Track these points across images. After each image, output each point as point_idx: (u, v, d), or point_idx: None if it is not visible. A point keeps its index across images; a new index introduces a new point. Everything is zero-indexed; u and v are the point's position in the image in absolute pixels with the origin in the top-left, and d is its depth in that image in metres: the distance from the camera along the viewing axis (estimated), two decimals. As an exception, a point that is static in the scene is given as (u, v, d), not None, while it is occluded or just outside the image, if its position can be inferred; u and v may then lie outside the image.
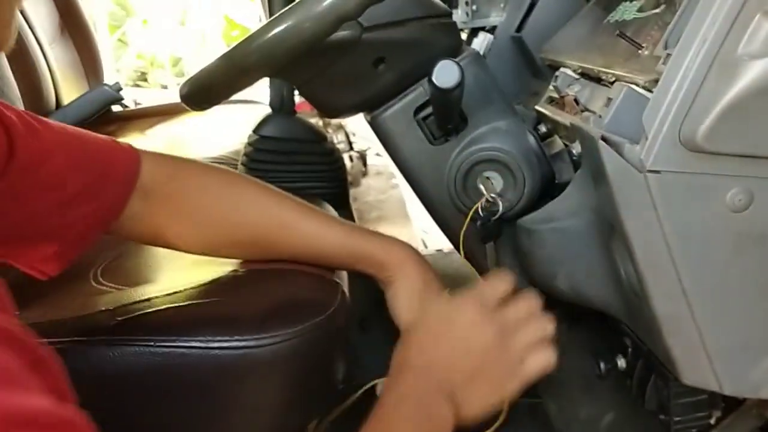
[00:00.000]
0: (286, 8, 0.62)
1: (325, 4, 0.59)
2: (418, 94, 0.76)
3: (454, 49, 0.77)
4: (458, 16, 1.05)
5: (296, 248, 0.78)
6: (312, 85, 0.78)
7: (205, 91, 0.71)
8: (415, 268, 0.77)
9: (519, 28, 1.04)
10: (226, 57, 0.65)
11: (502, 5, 1.06)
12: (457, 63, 0.66)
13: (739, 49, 0.55)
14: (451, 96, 0.68)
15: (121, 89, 1.34)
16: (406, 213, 2.60)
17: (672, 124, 0.57)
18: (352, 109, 0.81)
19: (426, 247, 2.39)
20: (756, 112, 0.55)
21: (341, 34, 0.66)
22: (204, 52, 4.18)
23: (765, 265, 0.61)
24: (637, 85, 0.68)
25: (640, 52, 0.72)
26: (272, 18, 0.63)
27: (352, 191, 2.05)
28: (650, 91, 0.66)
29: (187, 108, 0.74)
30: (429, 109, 0.77)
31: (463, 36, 1.11)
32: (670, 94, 0.57)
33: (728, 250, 0.61)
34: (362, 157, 2.97)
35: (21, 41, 1.54)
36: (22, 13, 1.63)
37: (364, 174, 2.99)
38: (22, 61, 1.50)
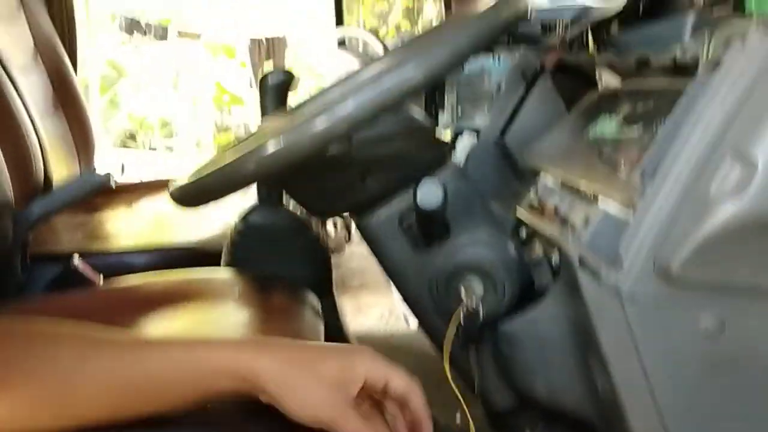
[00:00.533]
0: (282, 123, 0.65)
1: (320, 127, 0.62)
2: (402, 203, 0.79)
3: (437, 162, 0.81)
4: (444, 118, 1.09)
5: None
6: (300, 190, 0.80)
7: (196, 196, 0.73)
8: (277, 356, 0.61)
9: (503, 132, 1.08)
10: (222, 169, 0.67)
11: (486, 109, 1.10)
12: (441, 183, 0.69)
13: (712, 190, 0.58)
14: (433, 213, 0.71)
15: (110, 179, 1.36)
16: (388, 282, 2.61)
17: (648, 255, 0.60)
18: (339, 212, 0.84)
19: (408, 324, 2.39)
20: (727, 249, 0.58)
21: (333, 149, 0.68)
22: (194, 116, 4.25)
23: (737, 389, 0.63)
24: (616, 202, 0.71)
25: (618, 173, 0.75)
26: (269, 131, 0.66)
27: (335, 259, 2.07)
28: (628, 212, 0.69)
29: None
30: (413, 217, 0.80)
31: (449, 136, 1.15)
32: (645, 226, 0.60)
33: (702, 374, 0.63)
34: (346, 224, 3.00)
35: (12, 114, 1.56)
36: (14, 84, 1.66)
37: (348, 241, 3.01)
38: (12, 135, 1.51)
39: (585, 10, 0.98)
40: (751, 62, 0.58)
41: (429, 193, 0.69)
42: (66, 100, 1.86)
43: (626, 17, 0.94)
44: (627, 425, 0.68)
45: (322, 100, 0.85)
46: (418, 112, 0.84)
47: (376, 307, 2.71)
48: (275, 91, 1.14)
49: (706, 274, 0.59)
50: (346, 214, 0.88)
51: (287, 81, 1.15)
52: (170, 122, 4.40)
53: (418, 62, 0.68)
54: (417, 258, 0.80)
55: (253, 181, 0.67)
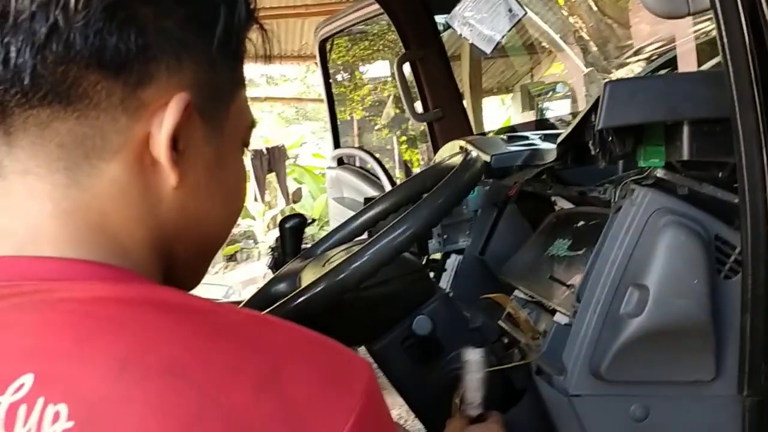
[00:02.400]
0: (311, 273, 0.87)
1: (333, 284, 0.85)
2: (402, 330, 1.00)
3: (427, 294, 1.02)
4: (433, 244, 1.31)
5: None
6: (318, 329, 1.01)
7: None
8: None
9: (482, 251, 1.30)
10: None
11: (467, 232, 1.33)
12: (430, 315, 0.90)
13: (621, 310, 0.78)
14: (427, 337, 0.92)
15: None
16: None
17: (583, 362, 0.80)
18: (352, 345, 1.04)
19: None
20: (639, 354, 0.78)
21: (345, 296, 0.91)
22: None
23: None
24: (567, 316, 0.92)
25: (567, 291, 0.96)
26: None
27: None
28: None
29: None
30: (412, 340, 1.00)
31: (438, 256, 1.38)
32: (578, 339, 0.81)
33: (638, 451, 0.81)
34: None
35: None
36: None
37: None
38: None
39: (531, 155, 1.23)
40: (636, 213, 0.80)
41: (421, 323, 0.91)
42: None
43: (572, 160, 1.18)
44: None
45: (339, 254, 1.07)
46: (408, 254, 1.06)
47: (393, 409, 2.86)
48: (292, 233, 1.37)
49: (629, 374, 0.79)
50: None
51: (302, 224, 1.39)
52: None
53: (410, 225, 0.91)
54: (419, 373, 1.00)
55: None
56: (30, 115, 0.47)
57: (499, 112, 5.39)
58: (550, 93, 2.33)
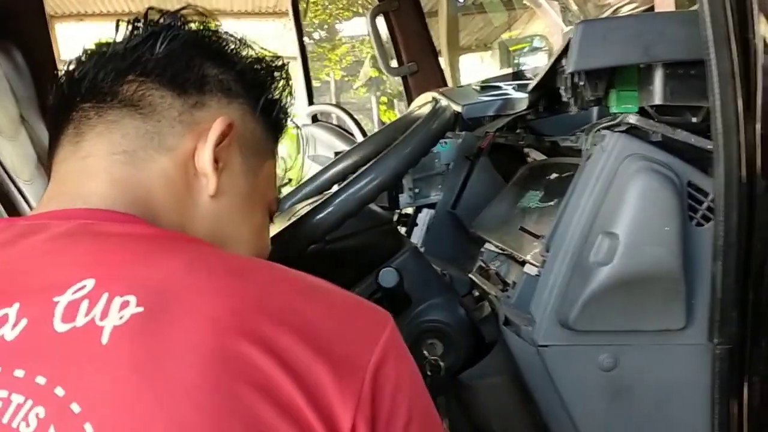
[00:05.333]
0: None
1: (298, 234, 0.82)
2: (370, 283, 0.97)
3: (396, 247, 0.99)
4: (404, 198, 1.28)
5: None
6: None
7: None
8: None
9: (454, 205, 1.27)
10: None
11: (439, 186, 1.30)
12: (396, 268, 0.87)
13: (590, 259, 0.76)
14: (393, 289, 0.89)
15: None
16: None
17: (552, 312, 0.78)
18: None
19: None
20: (607, 303, 0.76)
21: (311, 248, 0.88)
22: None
23: (636, 412, 0.81)
24: (536, 267, 0.90)
25: (537, 242, 0.94)
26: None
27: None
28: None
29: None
30: (380, 293, 0.98)
31: (410, 211, 1.35)
32: (547, 289, 0.79)
33: (607, 402, 0.80)
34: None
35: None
36: (23, 195, 1.85)
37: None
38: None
39: (503, 104, 1.19)
40: (608, 159, 0.77)
41: (387, 275, 0.88)
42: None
43: (544, 109, 1.15)
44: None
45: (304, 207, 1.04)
46: (377, 207, 1.03)
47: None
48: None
49: (597, 324, 0.78)
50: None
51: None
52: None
53: (375, 175, 0.88)
54: (386, 326, 0.98)
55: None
56: (103, 117, 0.60)
57: (477, 69, 5.34)
58: (528, 48, 2.29)
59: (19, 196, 1.80)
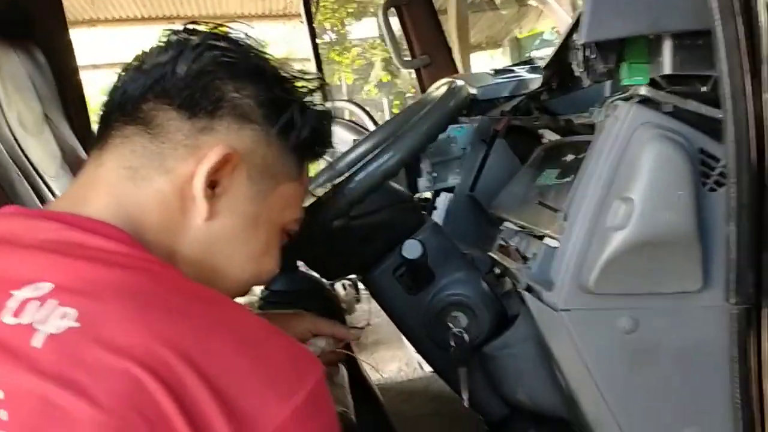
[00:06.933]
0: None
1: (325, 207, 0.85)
2: (394, 259, 1.00)
3: (418, 223, 1.02)
4: (423, 182, 1.31)
5: None
6: (312, 257, 1.02)
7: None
8: None
9: (472, 188, 1.30)
10: None
11: (457, 170, 1.33)
12: (420, 240, 0.91)
13: (607, 224, 0.79)
14: (417, 263, 0.93)
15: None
16: (400, 336, 2.77)
17: (572, 277, 0.81)
18: (347, 274, 1.05)
19: (422, 369, 2.57)
20: (625, 266, 0.79)
21: (336, 223, 0.91)
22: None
23: (657, 373, 0.83)
24: (555, 239, 0.92)
25: (556, 215, 0.97)
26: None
27: (348, 319, 2.23)
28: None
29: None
30: (404, 269, 1.01)
31: (429, 195, 1.38)
32: (567, 256, 0.82)
33: (629, 364, 0.83)
34: (354, 284, 3.14)
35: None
36: (51, 191, 1.90)
37: (358, 300, 3.17)
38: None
39: (517, 85, 1.22)
40: (621, 127, 0.80)
41: (411, 247, 0.92)
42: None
43: (558, 87, 1.17)
44: (584, 416, 0.88)
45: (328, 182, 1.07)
46: (398, 186, 1.06)
47: (393, 362, 2.89)
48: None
49: (616, 287, 0.80)
50: (353, 276, 1.09)
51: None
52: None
53: (393, 153, 0.92)
54: (411, 300, 1.01)
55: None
56: (121, 130, 0.64)
57: (487, 66, 5.36)
58: (539, 41, 2.32)
59: (47, 191, 1.85)
